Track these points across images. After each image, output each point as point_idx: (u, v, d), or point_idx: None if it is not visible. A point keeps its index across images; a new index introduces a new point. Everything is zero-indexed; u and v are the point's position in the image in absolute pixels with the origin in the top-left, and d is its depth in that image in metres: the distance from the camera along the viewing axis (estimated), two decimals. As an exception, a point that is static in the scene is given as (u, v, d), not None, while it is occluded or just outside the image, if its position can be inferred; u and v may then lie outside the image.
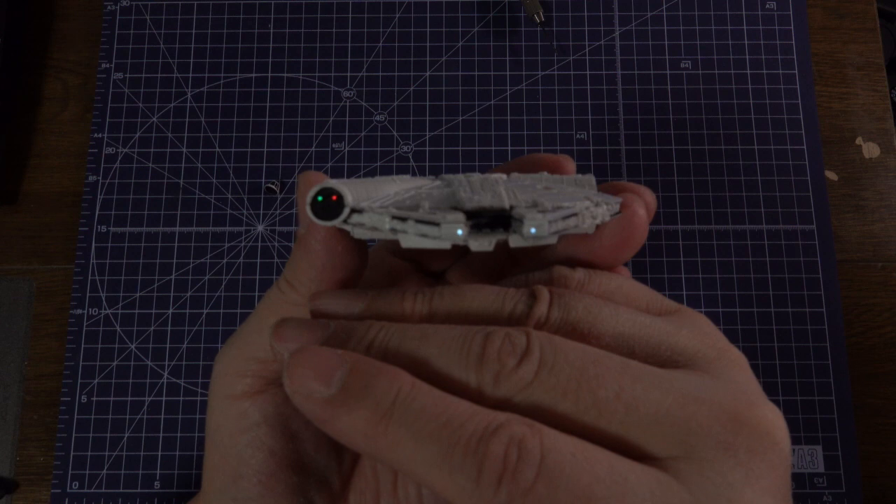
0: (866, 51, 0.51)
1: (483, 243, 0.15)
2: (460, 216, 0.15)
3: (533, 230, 0.15)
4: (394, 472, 0.23)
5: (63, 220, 0.49)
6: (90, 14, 0.52)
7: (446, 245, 0.15)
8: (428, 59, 0.51)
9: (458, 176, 0.17)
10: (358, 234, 0.17)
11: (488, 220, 0.15)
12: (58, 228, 0.49)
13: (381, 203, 0.16)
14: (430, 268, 0.24)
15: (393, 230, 0.15)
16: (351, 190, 0.16)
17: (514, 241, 0.16)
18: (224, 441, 0.21)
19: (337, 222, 0.16)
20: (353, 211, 0.16)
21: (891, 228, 0.48)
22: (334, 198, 0.16)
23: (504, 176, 0.18)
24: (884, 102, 0.50)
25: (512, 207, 0.15)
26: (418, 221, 0.15)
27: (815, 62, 0.50)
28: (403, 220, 0.15)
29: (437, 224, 0.15)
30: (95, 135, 0.50)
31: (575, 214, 0.15)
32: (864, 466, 0.44)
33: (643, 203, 0.19)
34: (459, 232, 0.15)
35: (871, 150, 0.49)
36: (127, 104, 0.50)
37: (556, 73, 0.51)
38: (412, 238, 0.16)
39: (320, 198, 0.16)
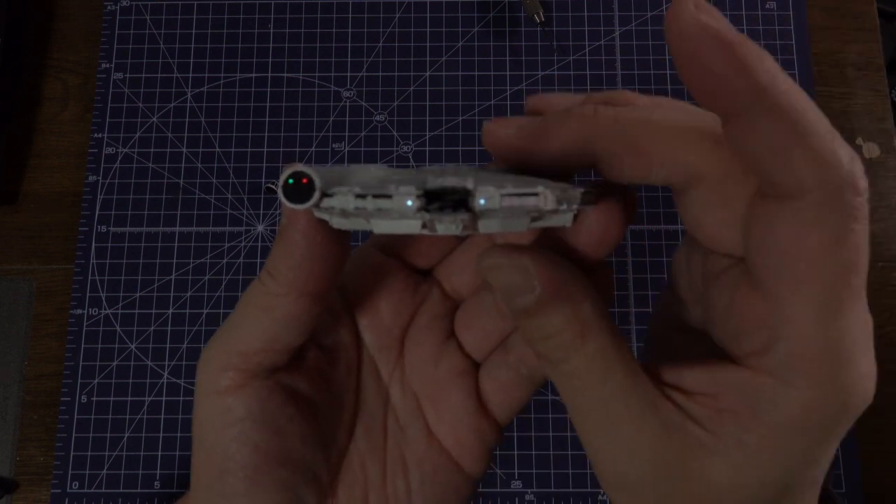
0: (866, 51, 0.51)
1: (449, 226, 0.16)
2: (412, 189, 0.15)
3: (482, 201, 0.15)
4: (382, 466, 0.23)
5: (63, 220, 0.49)
6: (90, 14, 0.52)
7: (415, 228, 0.16)
8: (428, 59, 0.51)
9: (434, 166, 0.18)
10: (336, 223, 0.17)
11: (453, 203, 0.15)
12: (58, 228, 0.49)
13: (350, 187, 0.16)
14: (417, 265, 0.24)
15: (357, 209, 0.16)
16: (323, 175, 0.16)
17: (483, 227, 0.16)
18: (209, 437, 0.21)
19: (308, 205, 0.16)
20: (324, 195, 0.16)
21: (891, 228, 0.48)
22: (305, 181, 0.16)
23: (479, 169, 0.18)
24: (884, 102, 0.50)
25: (475, 188, 0.15)
26: (375, 196, 0.15)
27: (815, 62, 0.50)
28: (364, 196, 0.15)
29: (389, 196, 0.15)
30: (95, 135, 0.50)
31: (535, 194, 0.15)
32: (864, 466, 0.44)
33: (621, 197, 0.19)
34: (409, 203, 0.15)
35: (871, 150, 0.49)
36: (127, 104, 0.50)
37: (556, 73, 0.51)
38: (382, 223, 0.16)
39: (291, 181, 0.16)
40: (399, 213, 0.15)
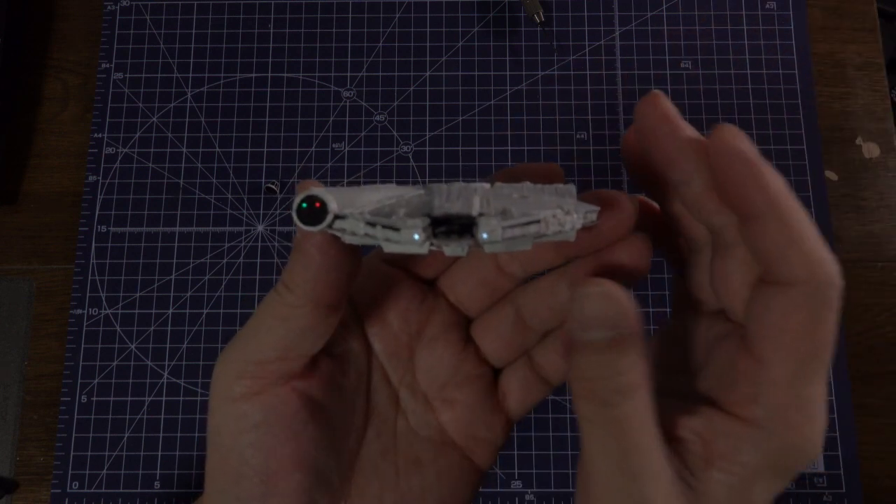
0: (866, 51, 0.51)
1: (455, 248, 0.16)
2: (418, 221, 0.16)
3: (485, 235, 0.16)
4: (395, 467, 0.23)
5: (63, 220, 0.49)
6: (90, 14, 0.52)
7: (423, 251, 0.16)
8: (428, 59, 0.51)
9: (441, 184, 0.18)
10: (348, 239, 0.18)
11: (458, 226, 0.16)
12: (58, 228, 0.49)
13: (361, 210, 0.17)
14: (422, 275, 0.25)
15: (367, 235, 0.16)
16: (335, 197, 0.17)
17: (489, 248, 0.17)
18: (225, 443, 0.21)
19: (321, 228, 0.17)
20: (336, 217, 0.17)
21: (891, 228, 0.48)
22: (318, 205, 0.17)
23: (487, 185, 0.19)
24: (884, 102, 0.50)
25: (481, 215, 0.16)
26: (385, 227, 0.16)
27: (815, 62, 0.50)
28: (374, 225, 0.16)
29: (397, 229, 0.16)
30: (95, 135, 0.50)
31: (537, 221, 0.16)
32: (864, 466, 0.44)
33: (619, 214, 0.20)
34: (416, 237, 0.16)
35: (871, 150, 0.49)
36: (127, 104, 0.50)
37: (556, 73, 0.51)
38: (390, 244, 0.17)
39: (305, 205, 0.17)
40: (406, 242, 0.16)
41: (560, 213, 0.17)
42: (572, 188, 0.19)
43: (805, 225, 0.18)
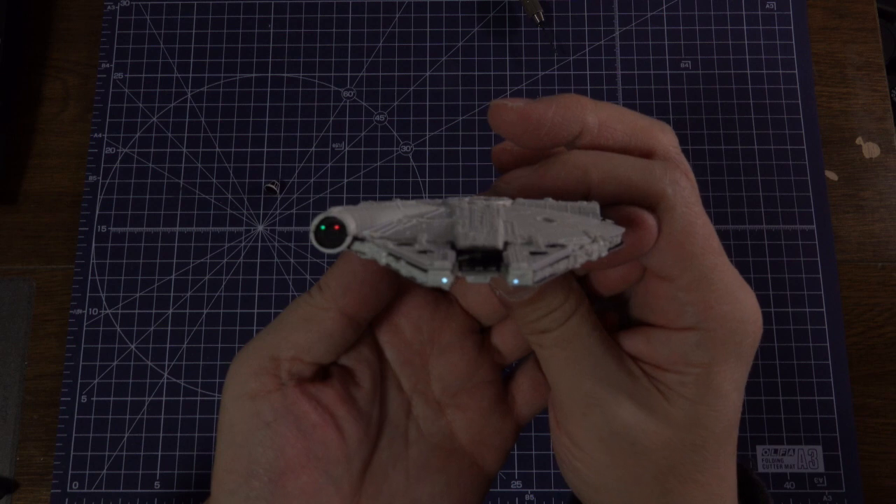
0: (866, 51, 0.51)
1: (479, 278, 0.16)
2: (447, 264, 0.15)
3: (516, 281, 0.15)
4: (405, 474, 0.23)
5: (63, 220, 0.49)
6: (90, 14, 0.52)
7: (447, 287, 0.16)
8: (428, 59, 0.51)
9: (462, 202, 0.18)
10: (364, 257, 0.18)
11: (483, 255, 0.16)
12: (58, 228, 0.49)
13: (382, 232, 0.16)
14: None
15: (388, 265, 0.16)
16: (354, 217, 0.16)
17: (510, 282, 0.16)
18: (236, 440, 0.21)
19: (339, 250, 0.17)
20: (356, 239, 0.16)
21: (891, 228, 0.48)
22: (337, 227, 0.16)
23: (508, 202, 0.18)
24: (884, 102, 0.50)
25: (506, 245, 0.16)
26: (409, 263, 0.16)
27: (815, 62, 0.50)
28: (398, 258, 0.16)
29: (424, 270, 0.15)
30: (95, 135, 0.50)
31: (566, 257, 0.16)
32: (864, 466, 0.44)
33: (642, 234, 0.20)
34: (444, 280, 0.15)
35: (871, 150, 0.49)
36: (127, 104, 0.50)
37: (556, 73, 0.51)
38: (413, 277, 0.16)
39: (323, 227, 0.16)
40: (433, 284, 0.16)
41: (587, 242, 0.16)
42: (596, 206, 0.19)
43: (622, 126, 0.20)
